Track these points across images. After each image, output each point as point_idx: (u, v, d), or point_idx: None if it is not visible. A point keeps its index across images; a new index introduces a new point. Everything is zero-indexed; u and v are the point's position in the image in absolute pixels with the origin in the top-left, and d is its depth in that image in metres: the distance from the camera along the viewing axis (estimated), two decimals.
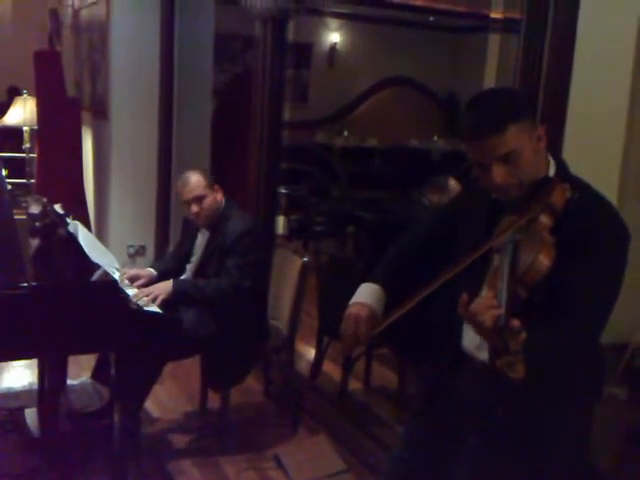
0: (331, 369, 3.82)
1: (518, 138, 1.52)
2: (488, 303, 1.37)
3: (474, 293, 1.57)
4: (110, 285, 2.65)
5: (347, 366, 3.56)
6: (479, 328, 1.37)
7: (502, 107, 1.55)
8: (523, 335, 1.30)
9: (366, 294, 1.76)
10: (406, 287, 1.70)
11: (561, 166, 1.64)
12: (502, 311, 1.34)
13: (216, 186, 3.10)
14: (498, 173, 1.53)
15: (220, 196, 3.12)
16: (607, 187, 2.48)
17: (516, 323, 1.31)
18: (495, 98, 1.61)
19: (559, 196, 1.52)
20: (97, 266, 2.75)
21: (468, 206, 1.79)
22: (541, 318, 1.47)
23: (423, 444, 1.80)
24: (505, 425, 1.61)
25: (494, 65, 7.35)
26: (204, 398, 3.35)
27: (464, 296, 1.39)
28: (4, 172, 2.77)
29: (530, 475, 1.62)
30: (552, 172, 1.62)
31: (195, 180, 3.05)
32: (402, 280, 1.83)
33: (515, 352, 1.29)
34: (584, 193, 1.57)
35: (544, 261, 1.43)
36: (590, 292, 1.48)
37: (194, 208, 3.06)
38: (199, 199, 3.05)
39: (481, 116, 1.54)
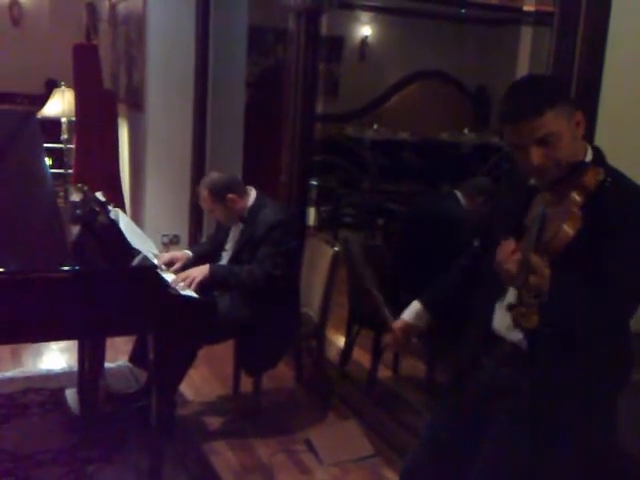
0: (361, 357, 3.87)
1: (556, 121, 1.58)
2: (508, 248, 1.51)
3: None
4: (149, 270, 2.73)
5: (376, 354, 3.61)
6: (505, 274, 1.51)
7: (541, 92, 1.63)
8: (546, 272, 1.41)
9: (409, 311, 2.01)
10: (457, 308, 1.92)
11: (598, 153, 1.69)
12: (522, 255, 1.46)
13: (230, 196, 3.07)
14: (536, 155, 1.59)
15: (241, 201, 3.12)
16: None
17: (535, 259, 1.41)
18: (534, 83, 1.70)
19: (592, 177, 1.57)
20: (137, 252, 2.84)
21: (505, 197, 1.85)
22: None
23: (451, 425, 1.85)
24: (530, 402, 1.66)
25: (526, 58, 7.30)
26: (237, 382, 3.44)
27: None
28: (48, 161, 2.86)
29: (552, 453, 1.66)
30: (589, 158, 1.67)
31: (202, 196, 3.13)
32: (448, 303, 2.02)
33: (528, 304, 1.41)
34: (617, 178, 1.63)
35: (568, 230, 1.49)
36: (622, 268, 1.53)
37: (209, 214, 3.23)
38: (209, 211, 3.20)
39: (521, 100, 1.62)
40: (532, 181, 1.72)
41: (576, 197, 1.54)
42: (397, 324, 1.97)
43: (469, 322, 1.87)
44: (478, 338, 1.80)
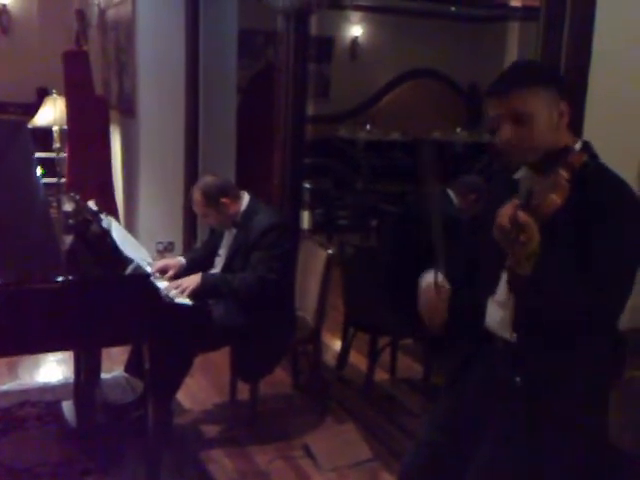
0: (357, 360, 3.87)
1: (534, 102, 1.62)
2: (505, 210, 1.51)
3: (496, 274, 1.68)
4: (143, 278, 2.72)
5: (373, 357, 3.61)
6: (499, 231, 1.51)
7: (527, 72, 1.70)
8: (535, 228, 1.45)
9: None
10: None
11: (587, 145, 1.71)
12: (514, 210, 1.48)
13: (223, 199, 3.07)
14: (507, 130, 1.64)
15: (234, 205, 3.12)
16: (628, 170, 2.51)
17: (524, 216, 1.46)
18: (525, 65, 1.80)
19: (576, 158, 1.60)
20: (130, 260, 2.83)
21: (496, 194, 1.85)
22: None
23: (447, 426, 1.86)
24: (524, 399, 1.67)
25: (514, 53, 7.34)
26: (234, 389, 3.43)
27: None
28: (40, 171, 2.85)
29: (548, 446, 1.66)
30: (578, 147, 1.68)
31: (195, 199, 3.12)
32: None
33: (521, 253, 1.46)
34: (602, 166, 1.66)
35: (556, 198, 1.52)
36: (605, 252, 1.55)
37: (203, 220, 3.27)
38: (202, 215, 3.19)
39: (507, 75, 1.69)
40: (517, 176, 1.73)
41: (562, 172, 1.56)
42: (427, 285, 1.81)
43: (462, 320, 1.87)
44: (471, 336, 1.81)
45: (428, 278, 1.81)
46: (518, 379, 1.66)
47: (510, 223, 1.47)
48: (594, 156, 1.69)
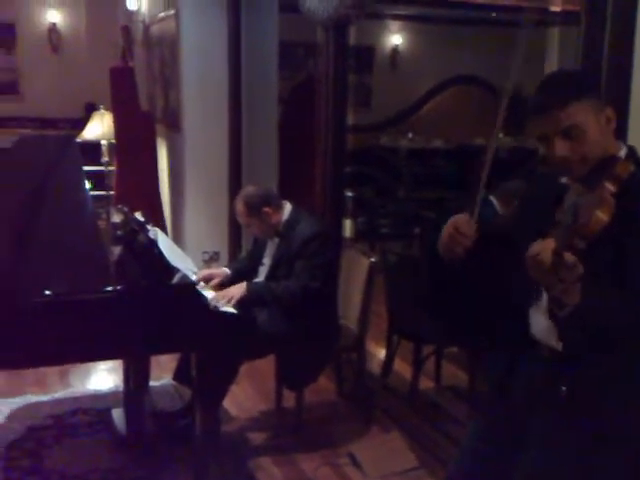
0: (402, 368, 3.87)
1: (581, 114, 1.59)
2: (545, 244, 1.44)
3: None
4: (189, 287, 2.78)
5: (417, 365, 3.60)
6: (538, 267, 1.43)
7: (567, 84, 1.65)
8: (579, 269, 1.39)
9: None
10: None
11: (632, 151, 1.68)
12: (557, 246, 1.41)
13: (266, 209, 3.10)
14: (560, 147, 1.60)
15: (276, 214, 3.15)
16: None
17: (570, 257, 1.39)
18: (562, 77, 1.74)
19: (623, 169, 1.56)
20: (177, 270, 2.89)
21: (535, 195, 1.84)
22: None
23: (493, 433, 1.84)
24: (569, 405, 1.65)
25: (555, 58, 7.25)
26: (279, 397, 3.46)
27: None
28: (88, 185, 2.93)
29: (592, 456, 1.64)
30: (623, 154, 1.65)
31: (239, 210, 3.17)
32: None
33: (570, 281, 1.39)
34: None
35: (602, 216, 1.46)
36: None
37: (247, 229, 3.29)
38: (246, 225, 3.23)
39: (546, 91, 1.65)
40: (563, 179, 1.70)
41: (609, 185, 1.52)
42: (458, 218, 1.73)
43: (505, 329, 1.86)
44: (515, 345, 1.79)
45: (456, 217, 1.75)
46: (564, 388, 1.64)
47: (552, 262, 1.40)
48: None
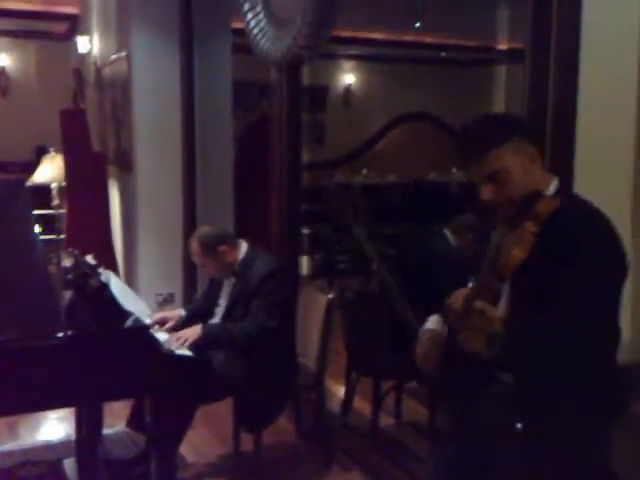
0: (362, 405, 3.83)
1: (503, 158, 1.65)
2: (461, 291, 1.54)
3: None
4: (142, 331, 2.73)
5: (377, 402, 3.57)
6: (452, 315, 1.54)
7: (487, 131, 1.70)
8: (490, 313, 1.48)
9: (431, 321, 1.89)
10: None
11: (562, 185, 1.73)
12: (469, 294, 1.51)
13: (221, 247, 3.08)
14: (485, 191, 1.68)
15: (232, 253, 3.13)
16: (619, 205, 2.52)
17: (479, 304, 1.47)
18: (481, 123, 1.76)
19: (545, 207, 1.60)
20: (129, 313, 2.83)
21: (485, 238, 1.87)
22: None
23: (453, 469, 1.84)
24: (525, 440, 1.66)
25: (502, 96, 7.47)
26: (237, 440, 3.38)
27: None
28: (38, 229, 2.87)
29: None
30: (552, 190, 1.70)
31: (194, 250, 3.14)
32: None
33: (478, 327, 1.47)
34: (572, 203, 1.67)
35: (518, 253, 1.54)
36: (577, 292, 1.56)
37: (202, 270, 3.27)
38: (201, 265, 3.20)
39: (467, 140, 1.72)
40: (499, 225, 1.74)
41: (529, 224, 1.57)
42: (425, 334, 1.86)
43: (463, 363, 1.86)
44: (471, 378, 1.80)
45: (431, 323, 1.82)
46: (519, 425, 1.66)
47: (464, 309, 1.49)
48: (570, 196, 1.71)
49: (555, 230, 1.58)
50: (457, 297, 1.53)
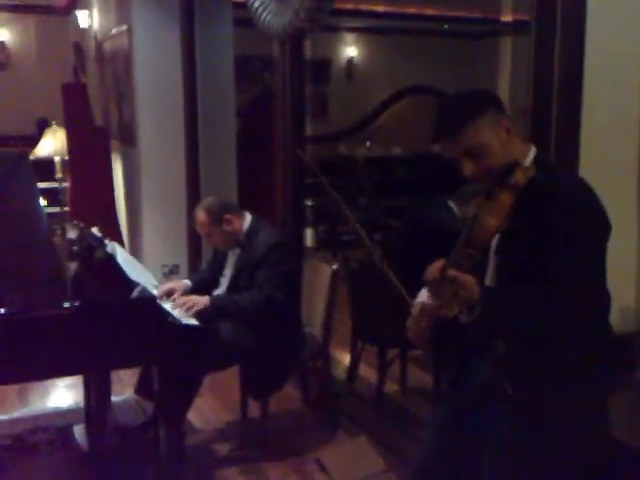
0: (367, 373, 3.87)
1: (479, 133, 1.67)
2: (437, 264, 1.56)
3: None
4: (149, 301, 2.75)
5: (382, 369, 3.61)
6: (429, 285, 1.56)
7: (458, 108, 1.73)
8: (462, 280, 1.49)
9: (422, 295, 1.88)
10: None
11: (539, 154, 1.75)
12: (444, 264, 1.53)
13: (227, 216, 3.10)
14: (467, 166, 1.71)
15: (238, 222, 3.15)
16: (625, 176, 2.53)
17: (452, 272, 1.49)
18: (454, 101, 1.80)
19: (521, 175, 1.63)
20: (136, 284, 2.86)
21: None
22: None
23: (449, 428, 1.87)
24: (515, 401, 1.70)
25: (508, 68, 7.41)
26: (244, 407, 3.44)
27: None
28: (43, 201, 2.89)
29: (544, 449, 1.68)
30: (529, 159, 1.73)
31: (200, 219, 3.14)
32: None
33: (450, 294, 1.50)
34: (547, 172, 1.69)
35: (491, 222, 1.58)
36: (557, 258, 1.57)
37: (207, 240, 3.27)
38: (206, 236, 3.20)
39: (442, 119, 1.73)
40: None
41: (505, 194, 1.61)
42: (416, 307, 1.81)
43: (459, 330, 1.89)
44: (467, 342, 1.83)
45: (420, 297, 1.84)
46: (508, 386, 1.70)
47: (438, 278, 1.50)
48: (546, 164, 1.73)
49: (531, 199, 1.61)
50: (433, 268, 1.55)
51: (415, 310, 1.76)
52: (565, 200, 1.61)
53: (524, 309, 1.56)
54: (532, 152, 1.75)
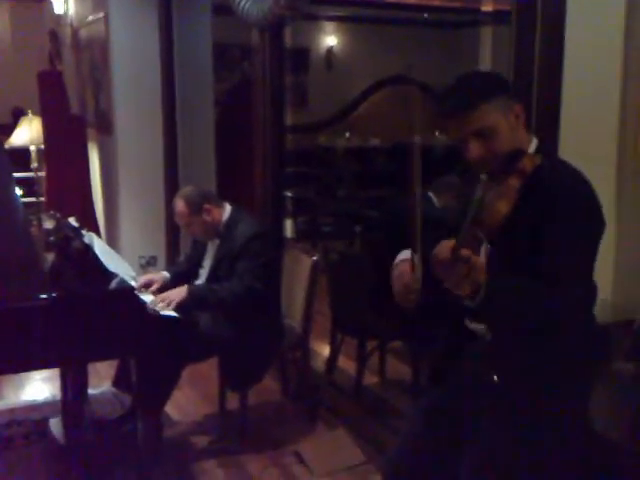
0: (346, 364, 3.87)
1: (490, 115, 1.65)
2: (446, 242, 1.53)
3: None
4: (127, 292, 2.72)
5: (361, 361, 3.62)
6: (439, 264, 1.52)
7: (476, 86, 1.70)
8: (474, 262, 1.47)
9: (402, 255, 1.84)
10: None
11: (542, 144, 1.75)
12: (455, 243, 1.49)
13: (207, 206, 3.07)
14: (474, 147, 1.68)
15: (217, 212, 3.12)
16: (603, 163, 2.54)
17: (465, 252, 1.47)
18: (470, 79, 1.76)
19: (528, 162, 1.63)
20: (114, 275, 2.82)
21: (467, 195, 1.88)
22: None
23: (433, 421, 1.86)
24: (502, 392, 1.70)
25: (488, 57, 7.43)
26: (223, 400, 3.42)
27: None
28: (19, 191, 2.84)
29: (529, 440, 1.68)
30: (532, 148, 1.73)
31: (179, 209, 3.11)
32: None
33: (464, 273, 1.47)
34: (557, 165, 1.69)
35: (501, 208, 1.57)
36: (559, 247, 1.58)
37: (185, 230, 3.23)
38: (185, 226, 3.17)
39: (456, 95, 1.70)
40: (482, 177, 1.74)
41: (513, 179, 1.60)
42: (396, 267, 1.78)
43: (443, 319, 1.89)
44: (451, 334, 1.83)
45: (403, 255, 1.81)
46: (495, 377, 1.70)
47: (450, 257, 1.48)
48: (549, 155, 1.72)
49: (538, 186, 1.60)
50: (443, 247, 1.52)
51: (395, 273, 1.74)
52: (570, 192, 1.61)
53: (524, 300, 1.56)
54: (534, 142, 1.74)
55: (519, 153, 1.65)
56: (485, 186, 1.64)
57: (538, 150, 1.72)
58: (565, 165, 1.71)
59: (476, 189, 1.67)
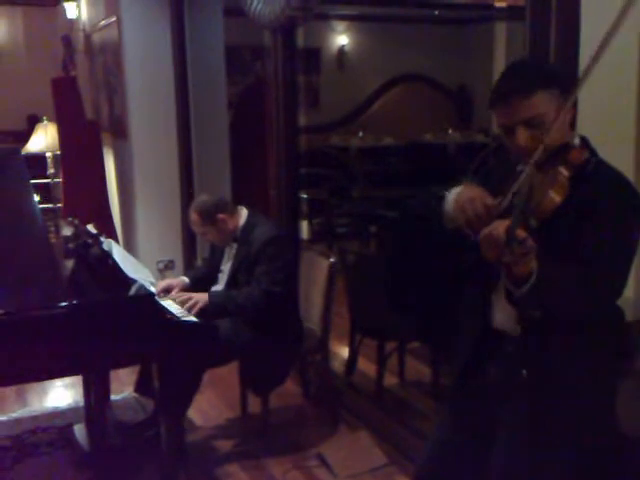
0: (366, 366, 3.87)
1: (545, 104, 1.61)
2: (498, 223, 1.48)
3: (498, 269, 1.63)
4: (147, 298, 2.73)
5: (381, 362, 3.61)
6: (493, 244, 1.46)
7: (532, 72, 1.66)
8: (530, 242, 1.42)
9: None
10: None
11: (585, 140, 1.73)
12: (510, 224, 1.43)
13: (221, 216, 3.09)
14: (523, 136, 1.62)
15: (232, 220, 3.14)
16: (621, 159, 2.52)
17: (522, 232, 1.42)
18: (527, 64, 1.75)
19: (577, 155, 1.61)
20: (133, 281, 2.83)
21: (495, 175, 1.84)
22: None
23: (458, 424, 1.86)
24: (531, 389, 1.69)
25: (502, 53, 7.37)
26: (245, 403, 3.43)
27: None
28: (36, 197, 2.85)
29: (556, 437, 1.67)
30: (576, 143, 1.70)
31: (193, 219, 3.14)
32: None
33: (521, 252, 1.42)
34: (602, 162, 1.67)
35: (555, 196, 1.54)
36: (603, 248, 1.56)
37: (202, 237, 3.29)
38: (201, 234, 3.20)
39: (511, 79, 1.65)
40: (519, 167, 1.70)
41: (563, 170, 1.57)
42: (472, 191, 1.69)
43: (465, 320, 1.87)
44: (476, 335, 1.81)
45: (458, 189, 1.75)
46: (524, 372, 1.68)
47: (506, 238, 1.43)
48: (593, 152, 1.70)
49: (586, 180, 1.58)
50: (495, 227, 1.47)
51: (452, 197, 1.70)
52: (617, 187, 1.60)
53: (572, 288, 1.54)
54: (577, 138, 1.72)
55: (567, 145, 1.64)
56: (530, 175, 1.60)
57: (582, 146, 1.70)
58: (608, 164, 1.68)
59: (522, 177, 1.60)
